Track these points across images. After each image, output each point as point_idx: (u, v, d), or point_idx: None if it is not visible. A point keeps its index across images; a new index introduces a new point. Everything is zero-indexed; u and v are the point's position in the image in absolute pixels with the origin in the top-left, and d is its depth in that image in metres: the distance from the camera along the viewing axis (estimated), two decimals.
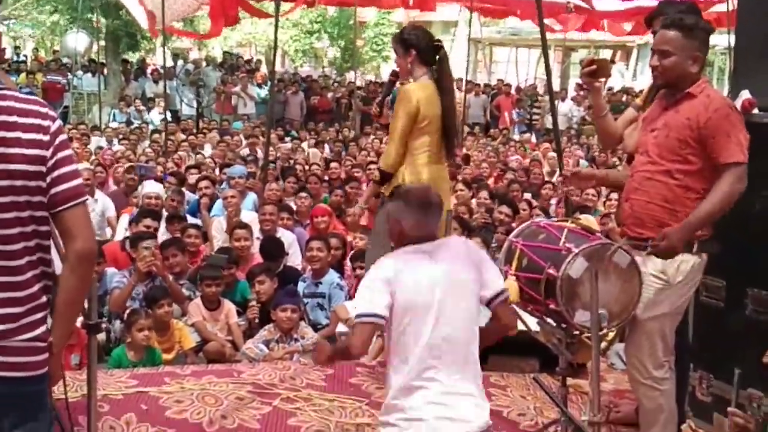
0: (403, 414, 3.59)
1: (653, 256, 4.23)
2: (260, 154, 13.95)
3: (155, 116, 20.06)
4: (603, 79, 4.81)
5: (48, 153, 2.68)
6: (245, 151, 14.90)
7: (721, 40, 17.02)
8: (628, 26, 22.83)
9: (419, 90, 5.61)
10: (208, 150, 15.27)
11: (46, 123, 2.70)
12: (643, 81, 26.52)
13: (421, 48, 5.68)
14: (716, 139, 4.09)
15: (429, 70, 5.69)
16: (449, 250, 3.82)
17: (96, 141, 16.11)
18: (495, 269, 3.92)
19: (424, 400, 3.58)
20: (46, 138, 2.68)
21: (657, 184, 4.26)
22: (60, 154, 2.71)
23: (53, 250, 2.83)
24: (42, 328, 2.73)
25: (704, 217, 4.15)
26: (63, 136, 2.75)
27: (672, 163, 4.21)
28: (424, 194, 3.88)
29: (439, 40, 5.76)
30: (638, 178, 4.36)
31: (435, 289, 3.65)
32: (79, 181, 2.77)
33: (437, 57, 5.71)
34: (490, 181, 12.77)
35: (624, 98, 20.92)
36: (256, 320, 6.95)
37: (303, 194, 10.21)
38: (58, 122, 2.76)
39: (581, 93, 22.40)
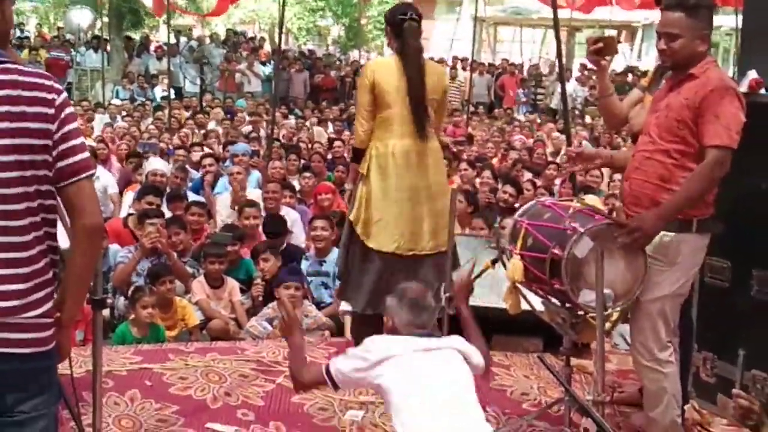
0: None
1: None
2: (263, 132, 13.96)
3: (158, 93, 20.03)
4: (609, 58, 4.77)
5: (53, 126, 2.66)
6: (248, 129, 14.88)
7: (727, 20, 16.93)
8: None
9: (376, 65, 5.86)
10: (212, 126, 15.26)
11: (51, 96, 2.67)
12: (648, 61, 26.46)
13: (391, 23, 5.76)
14: (705, 119, 4.04)
15: (399, 44, 5.71)
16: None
17: (100, 118, 16.10)
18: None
19: None
20: (51, 111, 2.65)
21: (655, 164, 4.22)
22: (66, 128, 2.69)
23: (59, 224, 2.82)
24: (49, 304, 2.72)
25: (679, 203, 4.11)
26: (69, 109, 2.72)
27: (670, 143, 4.17)
28: (419, 294, 3.83)
29: (406, 13, 5.68)
30: (639, 157, 4.34)
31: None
32: (85, 154, 2.74)
33: (402, 29, 5.68)
34: (495, 161, 12.73)
35: (629, 78, 20.84)
36: (260, 298, 6.95)
37: (307, 174, 10.20)
38: (64, 95, 2.73)
39: (585, 73, 22.36)
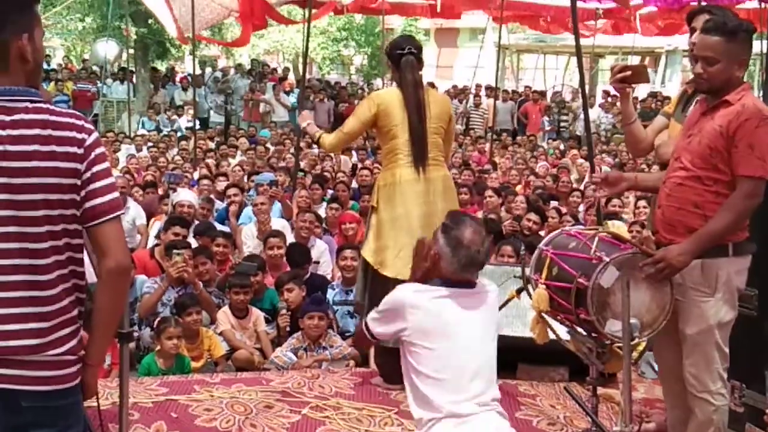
0: None
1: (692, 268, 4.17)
2: (287, 161, 14.00)
3: (183, 124, 20.18)
4: (635, 86, 4.75)
5: (82, 166, 2.67)
6: (274, 159, 14.94)
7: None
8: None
9: (380, 97, 5.86)
10: (238, 156, 15.35)
11: (81, 136, 2.68)
12: (672, 87, 26.39)
13: (390, 57, 5.88)
14: (738, 149, 4.00)
15: (398, 78, 5.84)
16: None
17: (126, 149, 16.23)
18: None
19: None
20: (81, 151, 2.67)
21: (687, 190, 4.19)
22: (95, 168, 2.70)
23: (86, 260, 2.83)
24: (72, 342, 2.72)
25: (710, 235, 4.07)
26: (99, 150, 2.73)
27: (702, 170, 4.14)
28: (476, 250, 3.88)
29: (403, 48, 5.79)
30: (670, 184, 4.31)
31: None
32: (114, 195, 2.75)
33: (399, 63, 5.80)
34: (518, 188, 12.71)
35: (653, 105, 20.79)
36: (287, 328, 6.95)
37: (334, 204, 10.24)
38: (95, 135, 2.74)
39: (609, 99, 22.32)
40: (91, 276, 2.85)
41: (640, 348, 5.08)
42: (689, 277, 4.16)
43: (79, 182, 2.67)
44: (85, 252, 2.82)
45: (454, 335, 3.73)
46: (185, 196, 9.92)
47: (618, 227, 6.76)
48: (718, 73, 4.11)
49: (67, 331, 2.70)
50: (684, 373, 4.31)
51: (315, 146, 17.43)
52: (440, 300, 3.78)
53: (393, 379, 5.86)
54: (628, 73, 4.67)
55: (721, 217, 4.06)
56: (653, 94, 23.36)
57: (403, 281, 5.59)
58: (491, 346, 3.89)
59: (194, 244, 8.10)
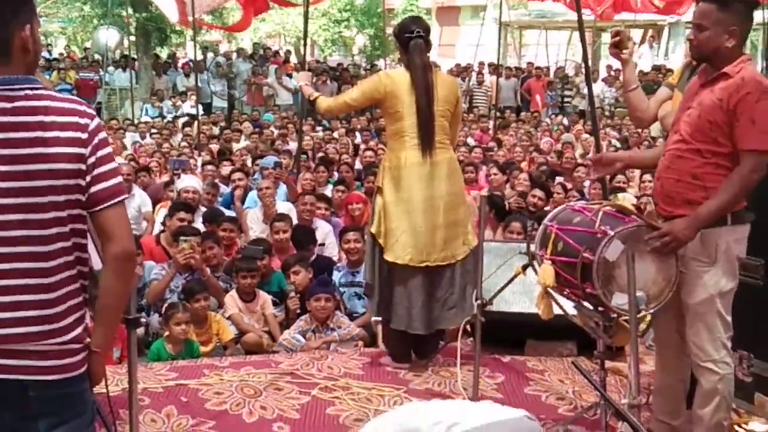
0: None
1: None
2: (292, 144, 14.01)
3: (187, 110, 20.18)
4: (628, 50, 4.76)
5: (87, 151, 2.66)
6: (278, 142, 14.94)
7: (755, 15, 16.76)
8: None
9: (389, 78, 5.84)
10: (243, 140, 15.35)
11: (84, 121, 2.68)
12: (675, 60, 26.28)
13: (399, 39, 5.88)
14: (740, 123, 4.00)
15: (406, 61, 5.83)
16: None
17: (131, 136, 16.25)
18: None
19: None
20: (85, 136, 2.66)
21: (687, 162, 4.19)
22: (99, 153, 2.70)
23: (91, 246, 2.83)
24: (78, 330, 2.72)
25: (715, 210, 4.07)
26: (102, 134, 2.73)
27: (702, 143, 4.13)
28: None
29: (412, 31, 5.77)
30: (669, 156, 4.30)
31: None
32: (118, 179, 2.75)
33: (408, 46, 5.78)
34: (523, 165, 12.71)
35: (657, 77, 20.71)
36: (297, 311, 6.96)
37: (340, 186, 10.23)
38: (97, 120, 2.74)
39: (612, 73, 22.25)
40: (97, 263, 2.86)
41: (647, 320, 5.08)
42: (689, 248, 4.16)
43: (84, 167, 2.67)
44: (90, 238, 2.83)
45: None
46: (189, 182, 9.92)
47: (625, 200, 6.76)
48: (706, 41, 4.12)
49: (72, 318, 2.70)
50: (687, 344, 4.33)
51: (318, 128, 17.56)
52: None
53: (401, 359, 5.89)
54: (618, 38, 4.70)
55: (725, 192, 4.06)
56: (657, 67, 23.26)
57: (402, 266, 5.66)
58: None
59: (203, 230, 8.12)
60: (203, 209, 9.12)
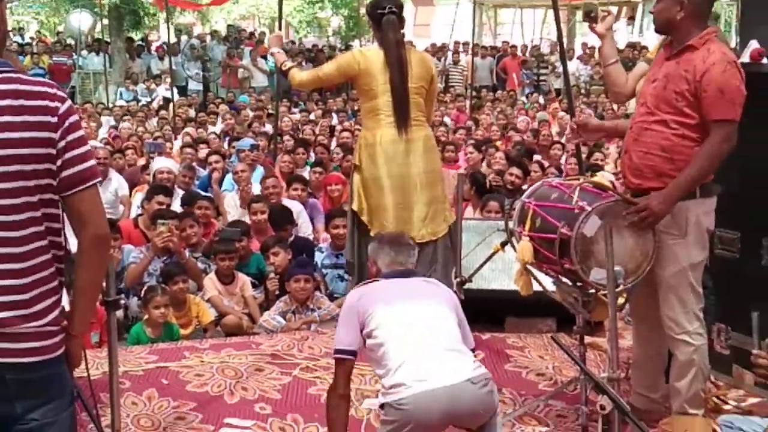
0: None
1: None
2: (268, 126, 13.97)
3: (162, 93, 20.07)
4: (604, 24, 4.79)
5: (57, 135, 2.62)
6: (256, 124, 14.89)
7: None
8: None
9: (363, 56, 5.81)
10: (219, 123, 15.30)
11: (54, 104, 2.63)
12: (650, 36, 26.32)
13: (371, 16, 5.84)
14: (708, 94, 4.04)
15: (379, 37, 5.80)
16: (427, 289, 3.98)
17: (105, 120, 16.14)
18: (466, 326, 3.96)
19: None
20: (54, 120, 2.62)
21: (654, 134, 4.23)
22: (70, 136, 2.65)
23: (68, 229, 2.81)
24: (54, 313, 2.69)
25: (690, 181, 4.13)
26: (73, 118, 2.69)
27: (669, 115, 4.17)
28: (396, 235, 4.20)
29: (384, 7, 5.71)
30: (636, 129, 4.34)
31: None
32: (90, 163, 2.71)
33: (381, 23, 5.74)
34: (500, 144, 12.72)
35: (631, 54, 20.76)
36: (276, 292, 6.95)
37: (318, 168, 10.20)
38: (68, 103, 2.69)
39: (587, 51, 22.29)
40: (74, 246, 2.84)
41: (625, 295, 5.12)
42: (660, 221, 4.20)
43: (54, 151, 2.63)
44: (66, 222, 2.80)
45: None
46: (164, 163, 9.90)
47: (603, 177, 6.78)
48: (658, 12, 4.24)
49: (48, 302, 2.68)
50: (661, 317, 4.37)
51: (295, 110, 17.50)
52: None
53: None
54: (594, 14, 4.77)
55: (697, 163, 4.10)
56: (632, 45, 23.34)
57: None
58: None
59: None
60: (180, 192, 9.08)
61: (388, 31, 5.70)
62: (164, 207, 7.93)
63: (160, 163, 9.97)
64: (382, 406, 3.65)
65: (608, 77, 4.89)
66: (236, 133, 13.71)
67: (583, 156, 10.24)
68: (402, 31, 5.81)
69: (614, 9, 28.04)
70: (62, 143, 2.64)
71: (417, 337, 3.66)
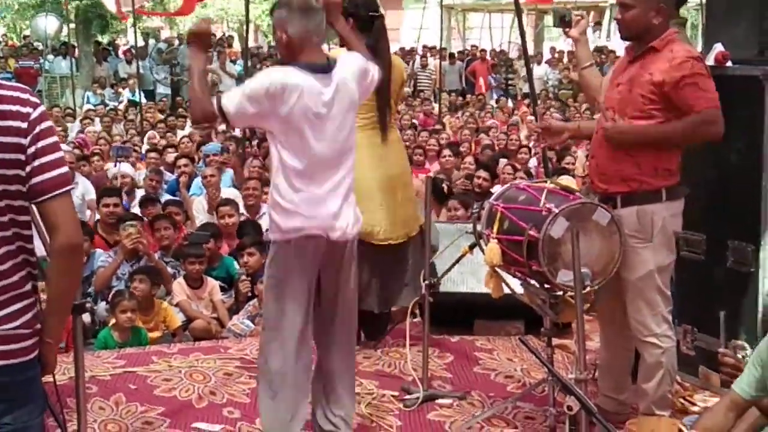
0: None
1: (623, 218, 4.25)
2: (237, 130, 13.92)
3: (129, 97, 19.97)
4: (577, 29, 4.81)
5: (26, 141, 2.60)
6: (221, 128, 14.81)
7: None
8: None
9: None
10: (187, 127, 15.23)
11: (25, 110, 2.62)
12: (617, 41, 26.48)
13: (358, 17, 5.62)
14: (684, 91, 4.07)
15: (366, 40, 5.69)
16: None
17: (72, 125, 16.01)
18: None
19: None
20: (24, 125, 2.60)
21: None
22: (41, 143, 2.63)
23: (35, 235, 2.79)
24: (27, 316, 2.68)
25: (656, 132, 4.16)
26: (45, 124, 2.66)
27: (635, 119, 4.19)
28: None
29: (376, 10, 5.69)
30: (602, 134, 4.35)
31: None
32: (62, 170, 2.68)
33: (373, 27, 5.64)
34: (466, 147, 12.75)
35: (598, 59, 20.90)
36: (249, 293, 6.91)
37: None
38: (41, 109, 2.67)
39: (556, 56, 22.41)
40: (40, 250, 2.82)
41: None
42: (626, 225, 4.23)
43: (23, 157, 2.61)
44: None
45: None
46: (123, 168, 9.95)
47: (568, 180, 6.81)
48: (632, 19, 4.22)
49: (18, 305, 2.66)
50: (629, 320, 4.40)
51: None
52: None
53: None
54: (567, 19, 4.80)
55: (675, 125, 4.14)
56: (599, 49, 23.44)
57: (364, 243, 5.63)
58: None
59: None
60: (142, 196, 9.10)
61: (381, 37, 5.63)
62: (114, 208, 7.98)
63: (121, 168, 10.05)
64: None
65: (584, 81, 4.90)
66: (203, 137, 13.65)
67: (554, 159, 10.32)
68: None
69: (582, 12, 28.21)
70: (32, 149, 2.62)
71: None
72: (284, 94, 3.81)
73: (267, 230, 8.06)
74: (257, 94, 3.82)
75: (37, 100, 2.70)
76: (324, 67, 3.99)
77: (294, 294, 4.03)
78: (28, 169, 2.62)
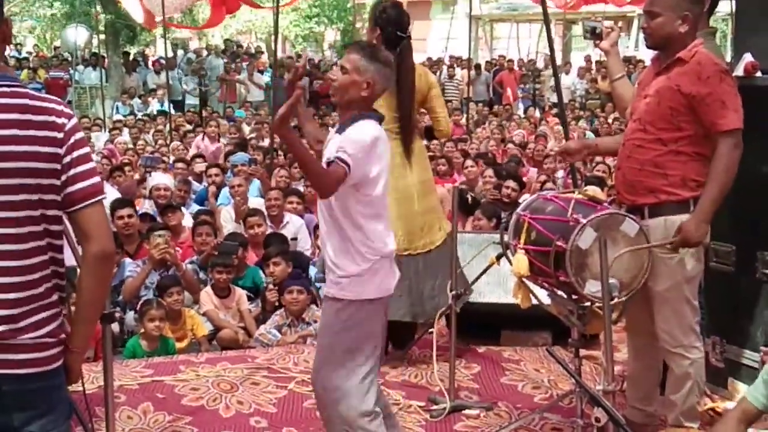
0: None
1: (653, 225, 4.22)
2: (265, 141, 13.99)
3: (157, 107, 20.09)
4: (607, 41, 4.78)
5: (62, 150, 2.64)
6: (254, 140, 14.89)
7: (723, 6, 16.88)
8: None
9: None
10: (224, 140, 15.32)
11: (60, 120, 2.65)
12: (645, 51, 26.39)
13: (385, 31, 5.68)
14: (711, 107, 4.03)
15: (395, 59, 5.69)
16: None
17: (98, 136, 16.12)
18: None
19: None
20: (60, 135, 2.64)
21: (647, 151, 4.22)
22: (75, 153, 2.67)
23: (65, 245, 2.81)
24: (51, 326, 2.69)
25: (715, 197, 4.10)
26: (79, 134, 2.70)
27: (663, 131, 4.16)
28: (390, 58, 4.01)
29: (405, 31, 5.69)
30: (629, 146, 4.33)
31: None
32: (95, 179, 2.72)
33: (399, 47, 5.62)
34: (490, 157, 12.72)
35: (627, 69, 20.83)
36: (276, 303, 6.91)
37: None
38: (74, 120, 2.71)
39: (587, 65, 22.34)
40: (69, 260, 2.83)
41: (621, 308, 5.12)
42: (654, 236, 4.20)
43: (59, 167, 2.64)
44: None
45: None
46: (160, 179, 9.90)
47: (595, 191, 6.77)
48: (658, 27, 4.18)
49: (44, 315, 2.67)
50: (657, 331, 4.37)
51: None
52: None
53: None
54: (597, 31, 4.77)
55: (717, 178, 4.09)
56: (627, 59, 23.38)
57: None
58: None
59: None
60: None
61: (406, 57, 5.66)
62: (127, 218, 7.81)
63: (156, 179, 9.98)
64: None
65: (615, 92, 4.86)
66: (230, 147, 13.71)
67: (581, 169, 10.26)
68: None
69: (608, 23, 28.10)
70: (67, 159, 2.65)
71: None
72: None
73: None
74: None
75: (71, 111, 2.74)
76: None
77: None
78: (63, 178, 2.65)
